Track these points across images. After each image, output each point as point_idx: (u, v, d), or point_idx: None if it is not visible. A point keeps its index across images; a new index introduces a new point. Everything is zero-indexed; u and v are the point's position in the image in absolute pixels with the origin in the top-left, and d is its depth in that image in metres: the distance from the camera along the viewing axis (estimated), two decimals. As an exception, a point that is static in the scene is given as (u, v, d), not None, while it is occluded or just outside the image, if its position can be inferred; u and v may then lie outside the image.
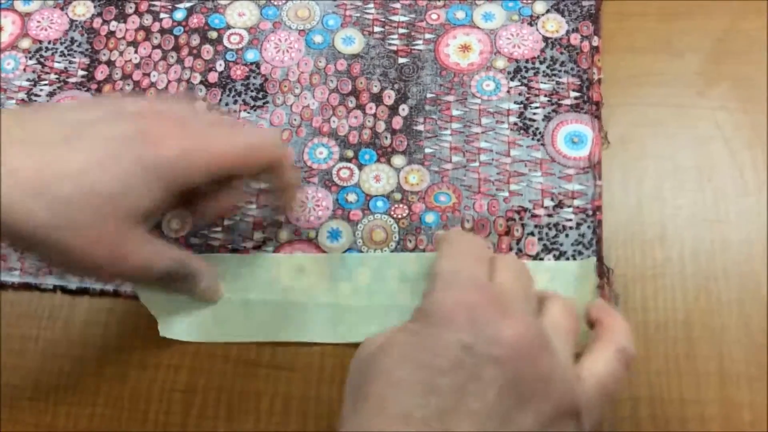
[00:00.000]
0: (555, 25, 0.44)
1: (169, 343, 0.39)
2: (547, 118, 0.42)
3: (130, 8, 0.46)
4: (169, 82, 0.44)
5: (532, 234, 0.40)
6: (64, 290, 0.40)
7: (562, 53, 0.43)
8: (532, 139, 0.41)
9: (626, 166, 0.41)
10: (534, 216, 0.40)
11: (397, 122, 0.42)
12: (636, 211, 0.40)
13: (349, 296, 0.39)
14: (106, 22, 0.46)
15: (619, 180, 0.41)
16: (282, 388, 0.38)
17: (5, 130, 0.30)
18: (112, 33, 0.45)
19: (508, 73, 0.43)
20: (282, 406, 0.38)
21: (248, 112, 0.43)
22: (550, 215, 0.40)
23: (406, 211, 0.41)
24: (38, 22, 0.46)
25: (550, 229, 0.40)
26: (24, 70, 0.45)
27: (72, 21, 0.46)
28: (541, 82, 0.43)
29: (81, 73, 0.45)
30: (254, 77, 0.44)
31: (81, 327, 0.40)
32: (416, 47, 0.44)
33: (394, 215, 0.40)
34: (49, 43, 0.45)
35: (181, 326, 0.39)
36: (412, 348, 0.28)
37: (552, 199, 0.40)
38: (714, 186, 0.40)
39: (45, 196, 0.29)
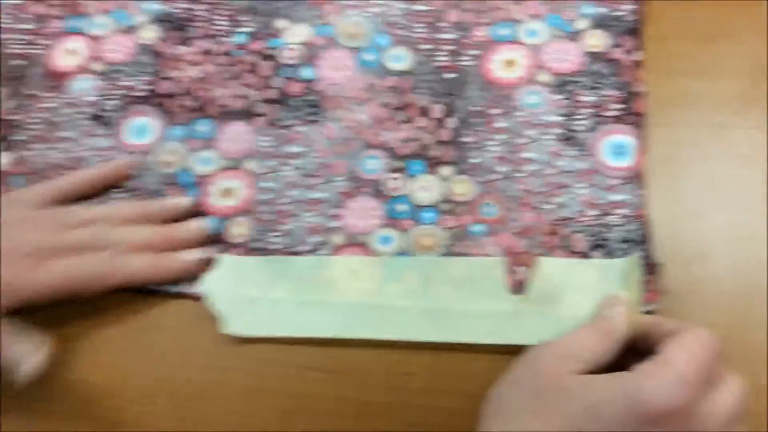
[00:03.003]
0: (597, 40, 0.46)
1: (228, 347, 0.41)
2: (591, 129, 0.43)
3: (193, 33, 0.49)
4: (229, 97, 0.47)
5: (579, 232, 0.41)
6: (131, 290, 0.42)
7: (604, 67, 0.45)
8: (577, 149, 0.43)
9: (665, 185, 0.42)
10: (579, 222, 0.41)
11: (445, 134, 0.44)
12: (674, 229, 0.41)
13: (398, 297, 0.41)
14: (171, 45, 0.49)
15: (657, 198, 0.42)
16: (333, 391, 0.40)
17: None
18: (176, 56, 0.49)
19: (552, 86, 0.45)
20: (335, 408, 0.40)
21: (304, 127, 0.45)
22: (595, 220, 0.41)
23: (455, 223, 0.42)
24: (108, 45, 0.49)
25: (597, 227, 0.41)
26: (95, 88, 0.48)
27: (140, 45, 0.49)
28: (585, 95, 0.44)
29: (146, 88, 0.48)
30: (309, 94, 0.46)
31: (146, 329, 0.42)
32: (462, 63, 0.46)
33: (443, 226, 0.42)
34: (118, 65, 0.49)
35: (241, 322, 0.41)
36: (612, 405, 0.31)
37: (596, 209, 0.41)
38: (751, 205, 0.41)
39: None
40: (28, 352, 0.39)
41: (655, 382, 0.31)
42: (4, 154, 0.47)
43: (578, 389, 0.33)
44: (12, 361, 0.39)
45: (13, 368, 0.39)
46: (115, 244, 0.42)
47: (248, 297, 0.42)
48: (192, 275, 0.43)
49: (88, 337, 0.43)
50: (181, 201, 0.45)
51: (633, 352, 0.36)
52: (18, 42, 0.50)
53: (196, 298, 0.42)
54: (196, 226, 0.44)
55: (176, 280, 0.43)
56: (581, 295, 0.40)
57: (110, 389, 0.41)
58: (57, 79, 0.49)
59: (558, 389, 0.33)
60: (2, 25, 0.51)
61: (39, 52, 0.50)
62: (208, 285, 0.42)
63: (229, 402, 0.40)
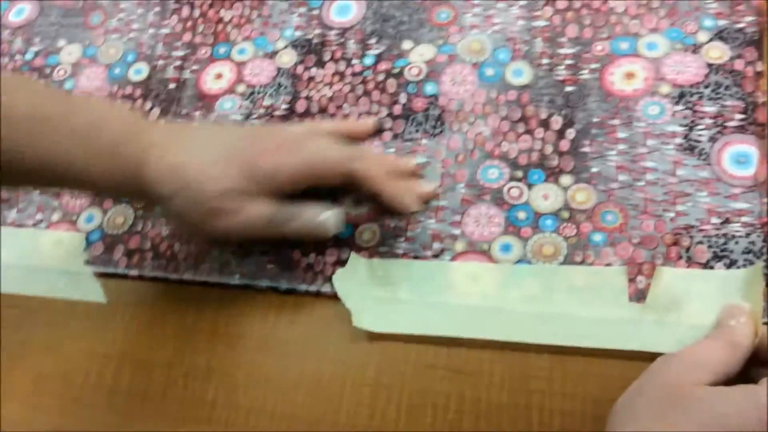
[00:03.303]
0: (718, 52, 0.46)
1: (358, 344, 0.44)
2: (713, 139, 0.44)
3: (326, 56, 0.53)
4: (359, 114, 0.50)
5: (701, 242, 0.41)
6: (275, 291, 0.47)
7: (726, 78, 0.45)
8: (698, 159, 0.43)
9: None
10: (701, 230, 0.42)
11: (564, 145, 0.46)
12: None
13: (518, 303, 0.42)
14: (307, 68, 0.53)
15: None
16: (455, 389, 0.42)
17: (173, 137, 0.44)
18: (312, 78, 0.53)
19: (673, 98, 0.45)
20: (456, 405, 0.42)
21: (428, 140, 0.48)
22: (717, 229, 0.41)
23: (575, 230, 0.43)
24: (251, 69, 0.54)
25: (719, 238, 0.41)
26: (239, 107, 0.53)
27: (279, 68, 0.54)
28: (706, 106, 0.44)
29: (284, 107, 0.52)
30: (433, 108, 0.49)
31: (287, 326, 0.46)
32: (582, 76, 0.47)
33: (563, 234, 0.44)
34: (260, 87, 0.53)
35: (371, 318, 0.44)
36: (742, 417, 0.32)
37: (718, 217, 0.42)
38: None
39: (174, 176, 0.42)
40: (325, 210, 0.45)
41: None
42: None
43: (708, 399, 0.33)
44: (315, 221, 0.45)
45: (317, 227, 0.45)
46: (352, 163, 0.45)
47: (375, 296, 0.44)
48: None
49: (231, 333, 0.47)
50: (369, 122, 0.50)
51: (754, 362, 0.36)
52: (173, 68, 0.56)
53: (329, 296, 0.45)
54: (429, 189, 0.47)
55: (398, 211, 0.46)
56: (702, 305, 0.40)
57: (251, 381, 0.45)
58: (206, 100, 0.54)
59: (688, 399, 0.34)
60: (158, 53, 0.57)
61: (190, 76, 0.55)
62: (340, 283, 0.45)
63: (359, 395, 0.43)
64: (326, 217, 0.45)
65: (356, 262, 0.45)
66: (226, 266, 0.48)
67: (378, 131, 0.50)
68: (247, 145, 0.44)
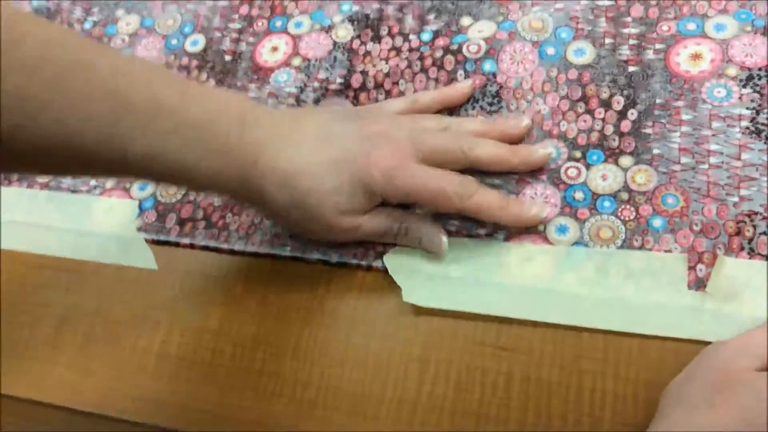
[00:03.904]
0: (790, 34, 0.44)
1: (406, 318, 0.44)
2: (781, 123, 0.42)
3: (383, 31, 0.53)
4: (414, 90, 0.50)
5: (765, 233, 0.40)
6: (325, 263, 0.46)
7: (797, 61, 0.43)
8: (765, 143, 0.42)
9: None
10: (765, 217, 0.40)
11: (626, 126, 0.45)
12: None
13: (573, 285, 0.41)
14: (363, 43, 0.53)
15: None
16: (504, 367, 0.41)
17: (284, 135, 0.42)
18: (368, 52, 0.52)
19: (740, 80, 0.44)
20: (504, 383, 0.41)
21: (485, 117, 0.48)
22: (783, 217, 0.40)
23: (634, 214, 0.42)
24: (307, 43, 0.54)
25: (784, 227, 0.40)
26: (294, 80, 0.53)
27: (335, 42, 0.54)
28: (775, 89, 0.43)
29: (339, 81, 0.52)
30: (491, 85, 0.48)
31: (335, 300, 0.46)
32: (646, 57, 0.46)
33: (621, 217, 0.42)
34: (316, 60, 0.53)
35: (421, 294, 0.44)
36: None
37: (785, 204, 0.40)
38: None
39: (288, 186, 0.41)
40: (437, 229, 0.44)
41: None
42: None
43: (754, 384, 0.33)
44: (433, 240, 0.44)
45: (431, 241, 0.44)
46: (471, 153, 0.44)
47: (426, 272, 0.44)
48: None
49: (280, 304, 0.46)
50: (523, 121, 0.46)
51: None
52: (229, 40, 0.56)
53: (379, 271, 0.45)
54: (544, 152, 0.45)
55: (522, 226, 0.44)
56: (763, 297, 0.39)
57: (298, 352, 0.45)
58: (261, 72, 0.54)
59: (734, 383, 0.34)
60: (215, 25, 0.57)
61: (246, 48, 0.55)
62: (391, 258, 0.45)
63: (407, 369, 0.43)
64: (434, 237, 0.44)
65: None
66: (277, 238, 0.48)
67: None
68: (360, 150, 0.42)
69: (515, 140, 0.46)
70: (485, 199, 0.43)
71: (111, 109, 0.38)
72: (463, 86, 0.48)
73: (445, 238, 0.44)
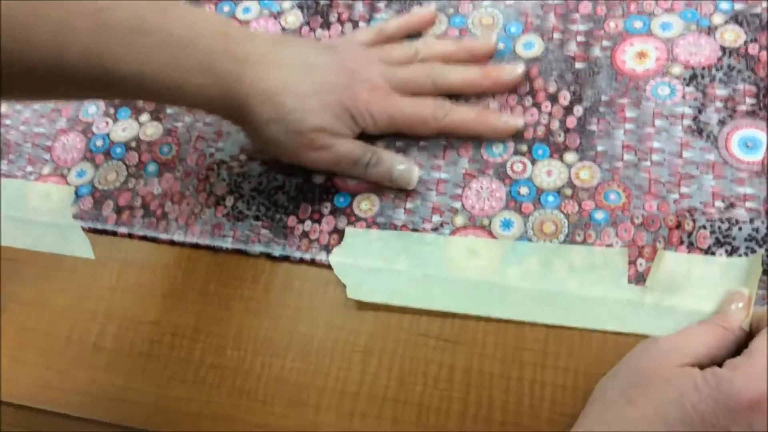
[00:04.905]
0: (733, 35, 0.45)
1: (351, 310, 0.43)
2: (722, 123, 0.43)
3: (333, 17, 0.52)
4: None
5: (704, 227, 0.41)
6: (268, 256, 0.46)
7: (739, 62, 0.44)
8: (706, 141, 0.43)
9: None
10: (704, 213, 0.41)
11: (571, 122, 0.45)
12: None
13: (517, 279, 0.42)
14: (312, 29, 0.52)
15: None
16: (447, 359, 0.42)
17: (267, 56, 0.43)
18: (317, 40, 0.52)
19: (684, 79, 0.45)
20: (447, 374, 0.41)
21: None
22: (721, 213, 0.41)
23: (576, 208, 0.43)
24: (255, 28, 0.53)
25: (722, 222, 0.40)
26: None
27: (284, 28, 0.53)
28: (717, 88, 0.44)
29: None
30: (440, 79, 0.48)
31: (279, 290, 0.45)
32: (593, 54, 0.47)
33: (564, 211, 0.43)
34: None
35: (364, 291, 0.43)
36: (699, 395, 0.32)
37: (723, 201, 0.41)
38: None
39: (271, 103, 0.43)
40: (407, 162, 0.45)
41: (740, 374, 0.32)
42: (151, 124, 0.52)
43: (674, 379, 0.33)
44: (397, 168, 0.45)
45: (402, 174, 0.45)
46: (441, 82, 0.46)
47: (372, 267, 0.44)
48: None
49: (221, 295, 0.46)
50: (491, 39, 0.48)
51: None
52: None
53: (325, 265, 0.45)
54: (516, 72, 0.46)
55: (498, 137, 0.46)
56: (702, 291, 0.39)
57: (239, 343, 0.44)
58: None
59: (654, 379, 0.34)
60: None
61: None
62: (335, 254, 0.44)
63: (350, 360, 0.42)
64: (407, 167, 0.45)
65: (351, 231, 0.45)
66: (218, 228, 0.47)
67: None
68: (341, 82, 0.44)
69: (484, 60, 0.48)
70: (460, 116, 0.45)
71: (94, 26, 0.39)
72: (426, 11, 0.50)
73: (416, 170, 0.45)
